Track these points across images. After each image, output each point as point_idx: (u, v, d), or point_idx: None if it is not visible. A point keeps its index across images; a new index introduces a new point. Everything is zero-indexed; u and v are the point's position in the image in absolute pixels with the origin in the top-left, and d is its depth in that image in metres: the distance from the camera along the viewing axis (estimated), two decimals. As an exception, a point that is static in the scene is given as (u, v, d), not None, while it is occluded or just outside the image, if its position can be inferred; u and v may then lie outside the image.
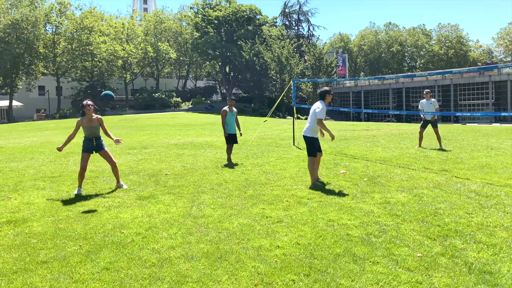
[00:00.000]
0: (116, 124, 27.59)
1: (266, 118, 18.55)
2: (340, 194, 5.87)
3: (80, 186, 6.21)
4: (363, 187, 6.29)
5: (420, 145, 10.86)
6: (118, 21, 55.94)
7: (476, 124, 28.97)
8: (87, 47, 48.74)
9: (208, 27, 50.78)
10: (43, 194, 6.23)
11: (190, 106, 53.37)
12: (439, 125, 11.39)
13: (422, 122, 11.09)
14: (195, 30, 52.96)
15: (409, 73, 53.53)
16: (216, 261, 3.63)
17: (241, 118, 36.62)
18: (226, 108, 8.89)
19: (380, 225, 4.50)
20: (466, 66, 65.25)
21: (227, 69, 57.31)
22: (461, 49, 70.00)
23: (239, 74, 55.10)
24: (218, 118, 33.96)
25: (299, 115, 35.99)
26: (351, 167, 7.98)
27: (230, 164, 8.51)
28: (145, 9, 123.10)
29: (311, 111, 6.46)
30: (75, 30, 49.33)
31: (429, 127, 10.92)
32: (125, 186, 6.54)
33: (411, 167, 7.97)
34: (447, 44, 70.91)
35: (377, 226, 4.45)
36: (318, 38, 65.77)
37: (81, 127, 6.24)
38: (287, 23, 61.77)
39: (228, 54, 52.29)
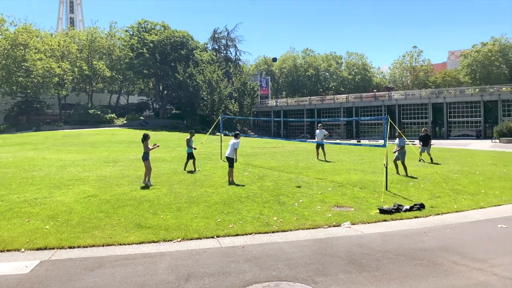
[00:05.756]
0: (62, 141, 30.18)
1: (204, 138, 24.69)
2: (243, 182, 11.93)
3: None
4: (255, 180, 12.45)
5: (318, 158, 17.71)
6: (54, 39, 57.89)
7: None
8: (23, 64, 50.27)
9: (144, 49, 55.18)
10: None
11: (125, 122, 55.96)
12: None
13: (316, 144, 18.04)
14: (130, 51, 56.92)
15: (318, 96, 63.27)
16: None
17: (175, 135, 42.18)
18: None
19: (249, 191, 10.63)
20: (370, 90, 75.88)
21: (160, 87, 61.86)
22: (366, 75, 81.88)
23: (172, 92, 60.06)
24: (153, 135, 38.00)
25: (226, 131, 42.35)
26: (253, 171, 14.15)
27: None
28: (71, 19, 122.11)
29: (230, 143, 12.48)
30: (9, 46, 50.67)
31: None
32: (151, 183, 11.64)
33: (286, 171, 14.39)
34: (354, 71, 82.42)
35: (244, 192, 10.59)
36: (244, 63, 73.28)
37: None
38: (216, 47, 68.40)
39: (162, 74, 56.96)
